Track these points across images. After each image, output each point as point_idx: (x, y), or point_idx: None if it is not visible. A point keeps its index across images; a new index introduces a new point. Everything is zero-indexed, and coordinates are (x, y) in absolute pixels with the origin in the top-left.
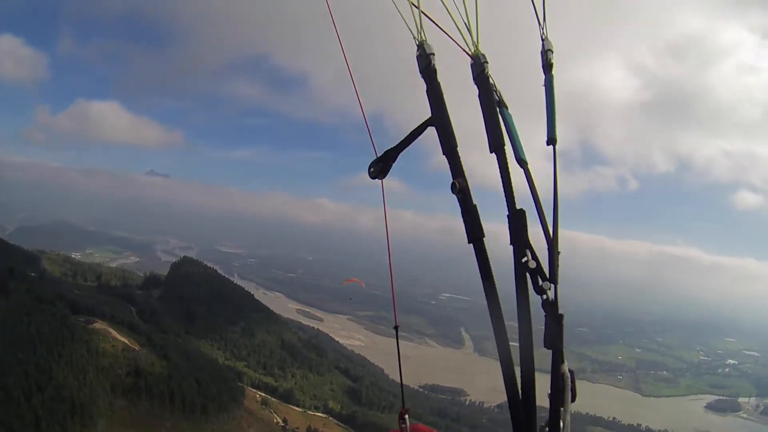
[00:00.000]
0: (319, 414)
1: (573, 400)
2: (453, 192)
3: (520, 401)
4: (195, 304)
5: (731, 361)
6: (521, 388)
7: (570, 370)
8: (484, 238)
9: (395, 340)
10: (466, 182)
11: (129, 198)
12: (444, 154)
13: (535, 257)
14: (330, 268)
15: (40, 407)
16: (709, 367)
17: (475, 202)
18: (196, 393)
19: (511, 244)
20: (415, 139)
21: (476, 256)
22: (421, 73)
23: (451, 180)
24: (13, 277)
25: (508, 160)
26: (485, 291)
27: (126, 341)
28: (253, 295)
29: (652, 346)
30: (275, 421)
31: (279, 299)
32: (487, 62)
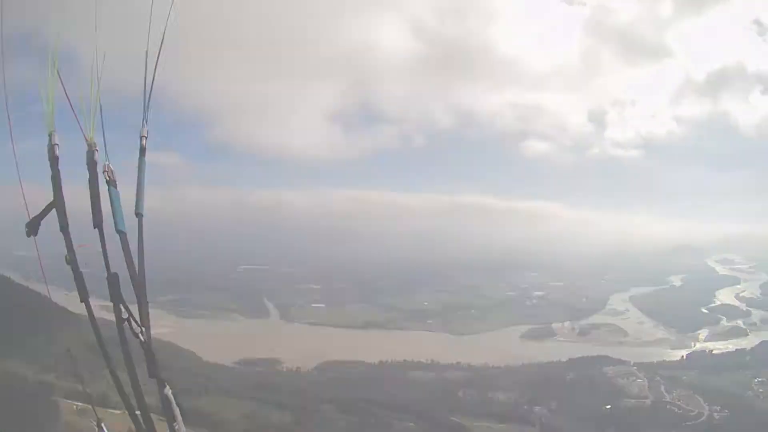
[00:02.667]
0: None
1: (182, 414)
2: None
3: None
4: None
5: (538, 293)
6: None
7: (173, 393)
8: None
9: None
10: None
11: None
12: (60, 230)
13: (127, 309)
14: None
15: None
16: (517, 301)
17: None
18: (7, 419)
19: (111, 301)
20: (43, 217)
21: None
22: (49, 160)
23: None
24: None
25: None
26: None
27: None
28: (50, 298)
29: (457, 289)
30: (97, 429)
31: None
32: (97, 150)
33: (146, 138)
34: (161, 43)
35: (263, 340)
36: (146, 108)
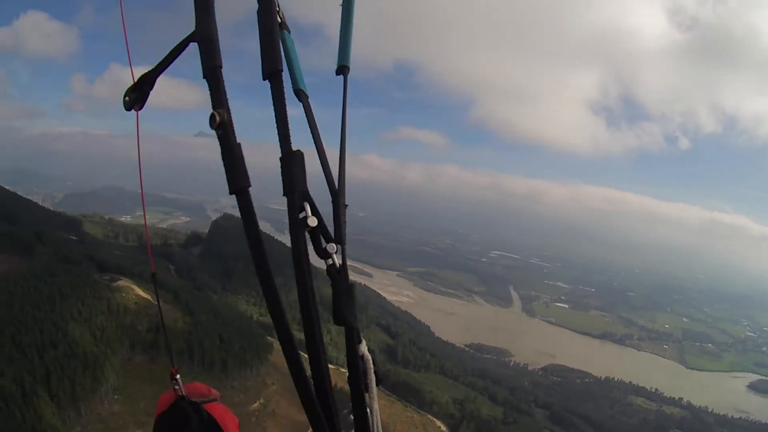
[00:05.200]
0: None
1: (378, 383)
2: (211, 126)
3: (312, 389)
4: (233, 261)
5: None
6: (312, 374)
7: (370, 350)
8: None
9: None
10: (229, 115)
11: (179, 160)
12: (204, 76)
13: (316, 212)
14: (380, 225)
15: (51, 363)
16: (755, 345)
17: (239, 140)
18: (217, 349)
19: (284, 194)
20: (175, 59)
21: (240, 212)
22: None
23: None
24: (41, 240)
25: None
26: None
27: (150, 298)
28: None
29: (699, 316)
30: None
31: None
32: None
33: None
34: None
35: (500, 328)
36: None
